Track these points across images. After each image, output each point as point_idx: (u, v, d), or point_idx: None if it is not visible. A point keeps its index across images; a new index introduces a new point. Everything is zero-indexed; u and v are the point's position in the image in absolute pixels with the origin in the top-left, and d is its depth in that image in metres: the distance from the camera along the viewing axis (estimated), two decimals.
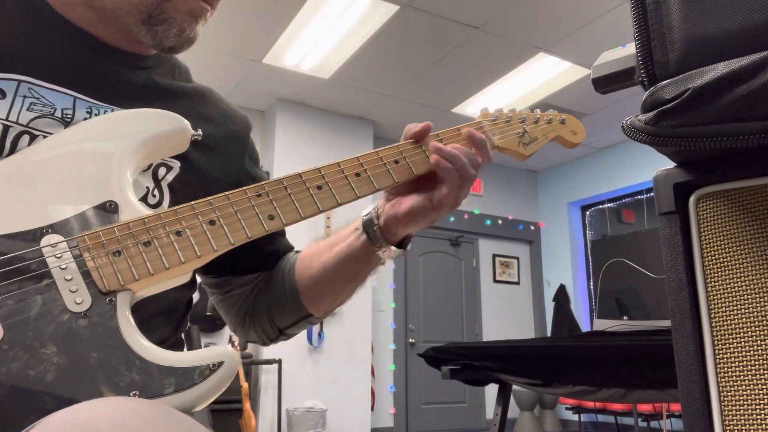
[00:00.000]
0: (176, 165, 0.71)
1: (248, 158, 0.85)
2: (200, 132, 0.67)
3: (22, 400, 0.48)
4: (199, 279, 0.83)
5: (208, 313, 4.39)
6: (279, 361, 4.53)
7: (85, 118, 0.64)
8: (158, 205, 0.68)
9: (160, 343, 0.57)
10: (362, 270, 0.77)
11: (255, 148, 0.88)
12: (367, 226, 0.73)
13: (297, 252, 0.87)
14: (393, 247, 0.73)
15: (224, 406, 3.96)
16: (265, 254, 0.84)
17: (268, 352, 4.59)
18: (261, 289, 0.85)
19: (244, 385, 4.01)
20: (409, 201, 0.72)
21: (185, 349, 0.82)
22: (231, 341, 4.41)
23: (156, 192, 0.68)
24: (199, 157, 0.74)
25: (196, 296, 0.83)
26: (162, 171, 0.69)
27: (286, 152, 5.17)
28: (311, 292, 0.80)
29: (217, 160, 0.77)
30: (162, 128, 0.64)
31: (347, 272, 0.77)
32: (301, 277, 0.80)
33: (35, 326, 0.50)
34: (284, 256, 0.86)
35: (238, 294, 0.85)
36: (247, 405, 3.96)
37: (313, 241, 0.84)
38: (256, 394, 4.69)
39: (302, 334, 4.07)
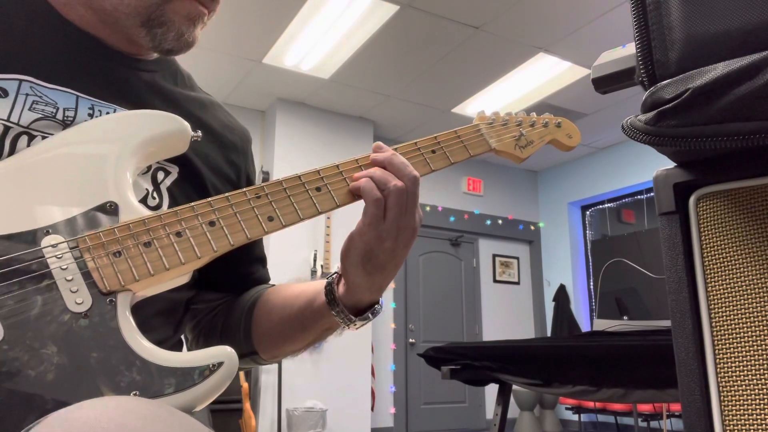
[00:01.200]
0: (174, 170, 0.71)
1: (250, 170, 0.84)
2: (200, 133, 0.67)
3: (23, 400, 0.48)
4: None
5: None
6: (279, 361, 4.53)
7: (86, 119, 0.64)
8: (158, 207, 0.68)
9: (160, 343, 0.57)
10: (316, 324, 0.72)
11: (254, 163, 0.87)
12: (327, 290, 0.69)
13: (272, 285, 0.84)
14: (353, 321, 0.69)
15: (224, 406, 3.96)
16: (239, 275, 0.82)
17: None
18: (220, 312, 0.82)
19: (244, 385, 4.01)
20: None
21: (185, 350, 0.82)
22: None
23: (155, 194, 0.68)
24: (197, 164, 0.73)
25: None
26: (161, 175, 0.69)
27: (286, 152, 5.17)
28: (263, 324, 0.76)
29: (214, 168, 0.77)
30: (161, 129, 0.64)
31: (302, 319, 0.72)
32: (261, 305, 0.78)
33: (36, 326, 0.50)
34: (256, 285, 0.84)
35: (199, 309, 0.83)
36: (247, 405, 3.96)
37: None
38: (256, 394, 4.69)
39: None
